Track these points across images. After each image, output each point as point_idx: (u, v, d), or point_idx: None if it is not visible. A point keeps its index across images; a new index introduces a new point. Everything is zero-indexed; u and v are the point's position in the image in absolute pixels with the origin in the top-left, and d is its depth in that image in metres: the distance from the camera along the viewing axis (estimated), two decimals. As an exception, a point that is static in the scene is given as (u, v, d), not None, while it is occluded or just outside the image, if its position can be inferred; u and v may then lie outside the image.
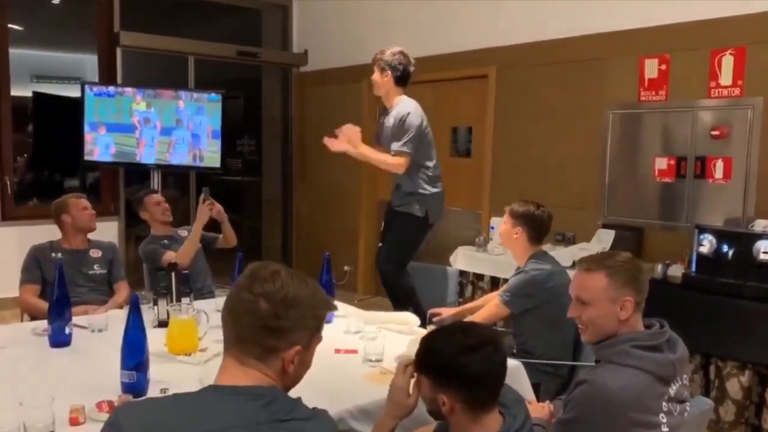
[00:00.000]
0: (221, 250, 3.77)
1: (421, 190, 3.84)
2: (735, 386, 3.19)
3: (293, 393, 1.35)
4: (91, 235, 3.43)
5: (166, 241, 3.57)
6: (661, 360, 1.67)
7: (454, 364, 1.49)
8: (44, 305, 2.79)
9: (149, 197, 3.68)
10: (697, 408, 1.79)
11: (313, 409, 1.33)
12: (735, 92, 3.74)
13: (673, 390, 1.67)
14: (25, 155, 6.11)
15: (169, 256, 3.44)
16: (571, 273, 2.99)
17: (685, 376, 1.73)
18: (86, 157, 5.39)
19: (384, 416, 1.68)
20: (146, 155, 5.48)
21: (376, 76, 3.86)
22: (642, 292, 1.75)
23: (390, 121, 3.84)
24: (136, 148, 5.44)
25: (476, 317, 2.91)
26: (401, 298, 3.84)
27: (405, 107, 3.80)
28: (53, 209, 3.36)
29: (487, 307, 2.96)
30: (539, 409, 2.00)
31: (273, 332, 1.26)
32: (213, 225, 3.74)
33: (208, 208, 3.51)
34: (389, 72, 3.82)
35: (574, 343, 2.89)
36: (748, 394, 3.17)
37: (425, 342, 1.60)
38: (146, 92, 5.46)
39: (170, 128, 5.51)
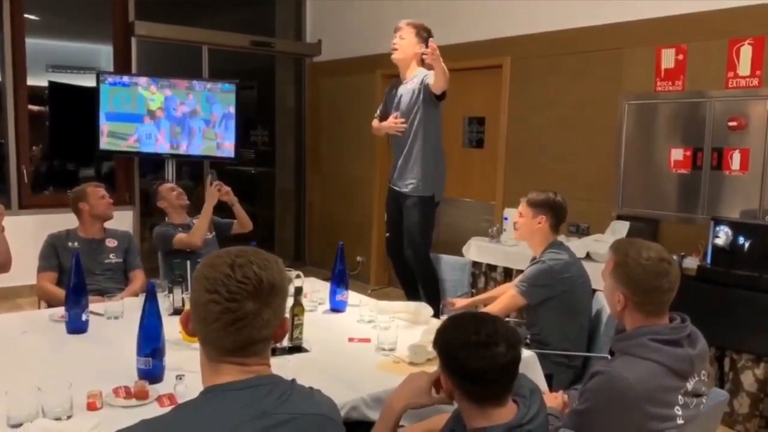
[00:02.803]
0: (236, 238, 3.79)
1: (432, 169, 3.83)
2: (750, 379, 3.18)
3: (307, 383, 1.36)
4: (107, 224, 3.46)
5: (180, 228, 3.61)
6: (679, 354, 1.65)
7: (454, 354, 1.49)
8: (61, 292, 2.83)
9: (163, 186, 3.77)
10: (712, 400, 1.78)
11: (310, 388, 1.34)
12: (753, 83, 3.70)
13: (690, 385, 1.66)
14: (39, 145, 6.16)
15: (181, 237, 3.49)
16: (584, 264, 3.02)
17: (703, 372, 1.71)
18: (101, 147, 5.44)
19: (396, 399, 1.67)
20: (161, 145, 5.51)
21: (410, 41, 3.75)
22: (642, 295, 1.70)
23: (412, 85, 3.78)
24: (150, 138, 5.48)
25: (492, 308, 2.87)
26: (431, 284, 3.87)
27: (426, 72, 3.75)
28: (72, 197, 3.39)
29: (503, 298, 2.93)
30: (552, 399, 2.00)
31: (267, 324, 1.24)
32: (226, 211, 3.77)
33: (216, 189, 3.56)
34: (424, 45, 3.73)
35: (588, 335, 2.88)
36: (763, 387, 3.16)
37: (444, 322, 1.63)
38: (160, 82, 5.48)
39: (185, 118, 5.53)
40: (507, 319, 3.17)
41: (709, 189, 3.85)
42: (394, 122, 3.84)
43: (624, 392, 1.58)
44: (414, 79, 3.80)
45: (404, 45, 3.78)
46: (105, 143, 5.43)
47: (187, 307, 2.41)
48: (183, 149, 5.56)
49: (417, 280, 3.97)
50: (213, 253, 1.28)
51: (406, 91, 3.83)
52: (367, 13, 6.18)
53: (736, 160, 3.74)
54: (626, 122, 4.22)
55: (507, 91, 5.03)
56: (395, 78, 4.03)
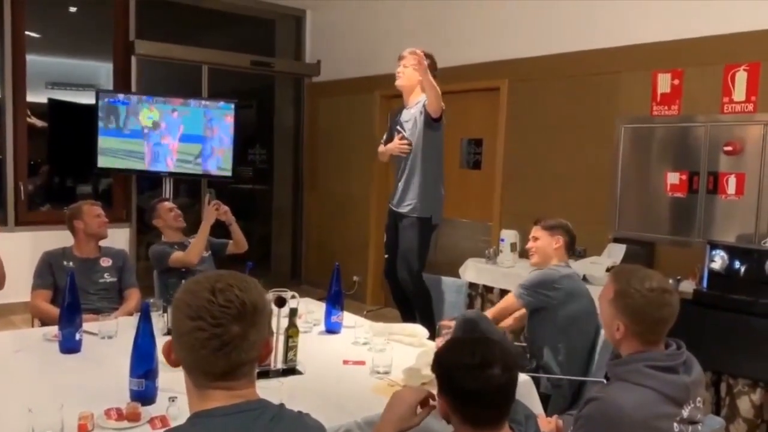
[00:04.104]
0: (231, 258, 3.78)
1: (433, 191, 3.85)
2: (746, 404, 3.16)
3: (301, 406, 1.35)
4: (102, 242, 3.45)
5: (176, 246, 3.60)
6: (675, 381, 1.65)
7: (450, 376, 1.51)
8: (55, 311, 2.81)
9: (162, 204, 3.74)
10: (707, 427, 1.77)
11: (299, 411, 1.33)
12: (748, 108, 3.72)
13: (685, 412, 1.65)
14: (47, 166, 6.17)
15: (177, 255, 3.49)
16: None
17: (699, 398, 1.70)
18: (99, 165, 5.45)
19: (385, 424, 1.65)
20: (158, 163, 5.52)
21: (400, 68, 3.83)
22: (643, 326, 1.69)
23: (414, 110, 3.83)
24: (146, 156, 5.49)
25: (492, 309, 2.98)
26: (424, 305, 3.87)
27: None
28: (68, 214, 3.39)
29: (501, 301, 3.04)
30: (545, 424, 1.99)
31: (253, 346, 1.23)
32: (223, 231, 3.76)
33: (214, 209, 3.56)
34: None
35: (587, 356, 2.88)
36: (760, 413, 3.14)
37: (442, 345, 1.63)
38: (158, 100, 5.50)
39: (183, 136, 5.55)
40: (516, 344, 3.19)
41: (705, 213, 3.86)
42: (399, 143, 3.88)
43: (619, 419, 1.57)
44: (417, 104, 3.85)
45: (408, 72, 3.83)
46: (104, 161, 5.44)
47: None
48: (180, 167, 5.56)
49: (412, 301, 3.95)
50: (190, 280, 1.27)
51: (410, 116, 3.88)
52: (366, 34, 6.23)
53: (731, 185, 3.76)
54: (623, 146, 4.25)
55: (504, 113, 5.06)
56: (396, 98, 4.05)
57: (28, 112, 5.61)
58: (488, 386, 1.45)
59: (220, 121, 5.59)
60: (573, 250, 3.06)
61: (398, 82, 3.92)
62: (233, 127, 5.60)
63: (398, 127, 3.95)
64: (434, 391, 1.60)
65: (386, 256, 4.14)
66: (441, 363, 1.55)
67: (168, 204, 3.75)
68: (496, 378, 1.46)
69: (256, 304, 1.22)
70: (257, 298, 1.24)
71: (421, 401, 1.64)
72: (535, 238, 3.01)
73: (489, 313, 2.99)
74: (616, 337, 1.74)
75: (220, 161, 5.61)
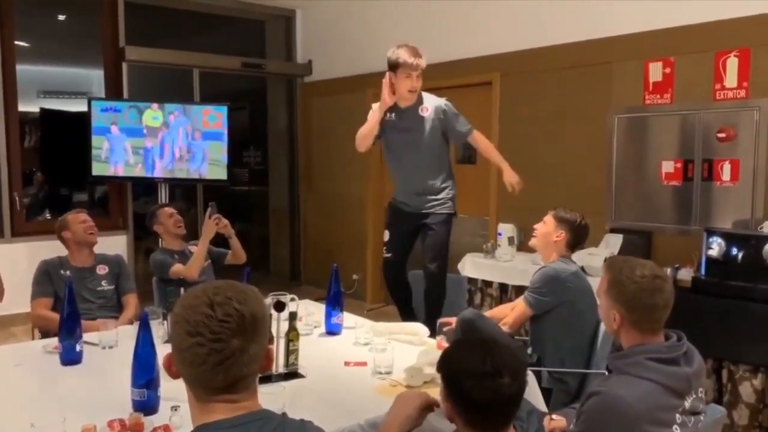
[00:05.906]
0: (229, 265, 3.77)
1: (454, 188, 3.84)
2: (748, 390, 3.17)
3: (304, 409, 1.35)
4: (98, 249, 3.43)
5: (176, 255, 3.59)
6: (676, 373, 1.65)
7: (458, 382, 1.48)
8: (57, 318, 2.80)
9: (162, 210, 3.71)
10: (710, 417, 1.78)
11: (301, 420, 1.33)
12: (740, 94, 3.73)
13: (687, 403, 1.66)
14: (36, 172, 6.17)
15: (177, 268, 3.47)
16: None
17: (700, 389, 1.71)
18: (93, 173, 5.45)
19: (389, 425, 1.65)
20: (153, 168, 5.51)
21: (418, 82, 3.64)
22: (637, 313, 1.70)
23: (427, 112, 3.70)
24: (140, 160, 5.49)
25: (507, 320, 2.93)
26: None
27: (435, 98, 3.72)
28: (56, 228, 3.36)
29: (514, 311, 2.96)
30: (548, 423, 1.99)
31: (254, 358, 1.23)
32: (222, 241, 3.76)
33: (214, 223, 3.52)
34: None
35: (588, 351, 2.88)
36: (762, 398, 3.16)
37: (450, 346, 1.61)
38: (151, 106, 5.49)
39: (176, 140, 5.54)
40: (517, 338, 3.18)
41: (701, 200, 3.87)
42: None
43: (622, 413, 1.57)
44: (427, 101, 3.71)
45: (416, 86, 3.66)
46: (98, 168, 5.44)
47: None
48: (175, 172, 5.55)
49: (428, 298, 3.80)
50: (188, 292, 1.25)
51: (424, 111, 3.72)
52: (356, 32, 6.22)
53: (726, 171, 3.76)
54: (617, 136, 4.25)
55: (497, 107, 5.05)
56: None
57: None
58: (498, 396, 1.43)
59: (213, 124, 5.58)
60: (575, 248, 3.01)
61: (413, 95, 3.70)
62: (227, 130, 5.59)
63: (407, 124, 3.79)
64: (437, 391, 1.59)
65: (389, 255, 3.91)
66: (449, 367, 1.52)
67: (168, 210, 3.71)
68: (506, 387, 1.43)
69: (255, 315, 1.22)
70: (257, 309, 1.23)
71: (426, 405, 1.63)
72: (545, 223, 3.00)
73: (506, 327, 2.92)
74: (614, 327, 1.75)
75: (214, 165, 5.60)
